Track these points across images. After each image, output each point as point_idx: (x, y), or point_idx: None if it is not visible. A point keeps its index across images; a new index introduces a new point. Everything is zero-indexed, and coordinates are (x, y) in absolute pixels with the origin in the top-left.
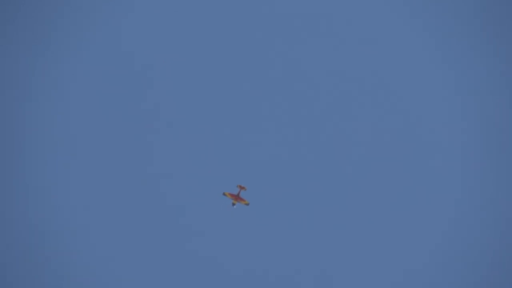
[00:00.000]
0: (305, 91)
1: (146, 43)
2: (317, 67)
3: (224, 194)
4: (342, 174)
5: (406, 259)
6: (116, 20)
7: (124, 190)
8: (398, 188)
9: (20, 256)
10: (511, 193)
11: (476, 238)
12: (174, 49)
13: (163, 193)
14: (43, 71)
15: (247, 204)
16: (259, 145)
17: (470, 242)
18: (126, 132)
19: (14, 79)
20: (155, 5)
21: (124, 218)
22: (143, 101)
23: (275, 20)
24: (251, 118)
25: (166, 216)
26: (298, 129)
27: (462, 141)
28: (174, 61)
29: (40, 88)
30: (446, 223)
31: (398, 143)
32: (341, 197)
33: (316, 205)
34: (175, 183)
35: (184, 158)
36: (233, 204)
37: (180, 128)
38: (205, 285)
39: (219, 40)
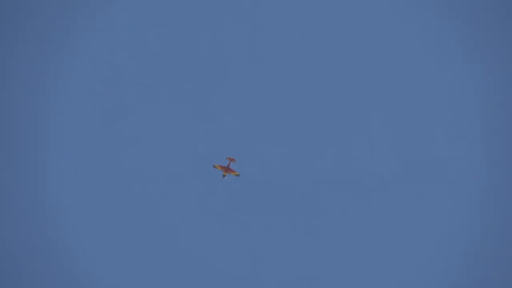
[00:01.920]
0: (302, 89)
1: (145, 44)
2: (316, 67)
3: (214, 166)
4: (343, 174)
5: (407, 260)
6: (115, 19)
7: (124, 190)
8: (399, 188)
9: (21, 257)
10: None
11: (478, 239)
12: (172, 48)
13: (162, 193)
14: (43, 70)
15: (238, 175)
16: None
17: (472, 243)
18: (126, 132)
19: (13, 79)
20: (153, 4)
21: (123, 218)
22: (142, 101)
23: (274, 20)
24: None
25: (165, 218)
26: (297, 129)
27: (464, 141)
28: (171, 60)
29: (39, 88)
30: (447, 224)
31: (399, 143)
32: (342, 197)
33: (316, 205)
34: (175, 184)
35: (184, 159)
36: (224, 176)
37: (179, 128)
38: (203, 286)
39: (217, 39)
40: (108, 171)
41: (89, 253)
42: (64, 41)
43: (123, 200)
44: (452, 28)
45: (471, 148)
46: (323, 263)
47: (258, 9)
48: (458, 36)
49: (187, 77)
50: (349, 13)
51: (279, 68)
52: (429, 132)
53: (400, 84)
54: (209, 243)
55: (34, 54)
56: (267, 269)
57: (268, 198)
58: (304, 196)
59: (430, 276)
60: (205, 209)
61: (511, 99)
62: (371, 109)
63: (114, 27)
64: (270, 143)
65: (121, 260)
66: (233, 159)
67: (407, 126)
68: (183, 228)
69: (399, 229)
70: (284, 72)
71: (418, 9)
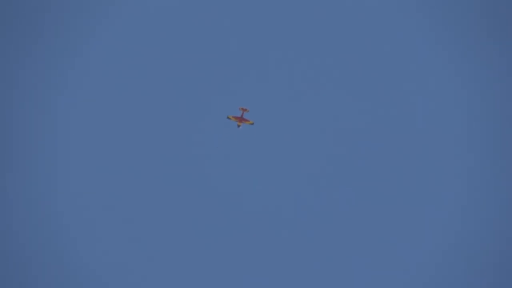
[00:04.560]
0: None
1: (146, 44)
2: (316, 66)
3: (228, 117)
4: (341, 172)
5: (407, 260)
6: (119, 18)
7: (125, 190)
8: (399, 188)
9: (21, 257)
10: None
11: (479, 239)
12: (173, 48)
13: (163, 194)
14: (45, 70)
15: (252, 124)
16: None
17: (473, 243)
18: (126, 131)
19: (14, 80)
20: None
21: (125, 219)
22: (142, 100)
23: (273, 20)
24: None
25: (165, 219)
26: (296, 129)
27: (464, 140)
28: (172, 60)
29: (40, 89)
30: (448, 224)
31: (399, 142)
32: (340, 196)
33: (313, 203)
34: (176, 185)
35: (185, 159)
36: (238, 126)
37: (180, 128)
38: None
39: (218, 40)
40: (109, 171)
41: (90, 254)
42: (67, 41)
43: (124, 201)
44: (449, 28)
45: (468, 148)
46: (319, 263)
47: (260, 8)
48: (454, 36)
49: (189, 77)
50: (348, 12)
51: (278, 67)
52: (426, 133)
53: (396, 85)
54: (210, 244)
55: (35, 55)
56: (267, 271)
57: (268, 197)
58: (301, 194)
59: (427, 277)
60: (206, 210)
61: (509, 99)
62: (367, 109)
63: (119, 26)
64: (267, 143)
65: (123, 260)
66: (246, 109)
67: (402, 126)
68: (185, 228)
69: (395, 230)
70: (283, 71)
71: (417, 9)
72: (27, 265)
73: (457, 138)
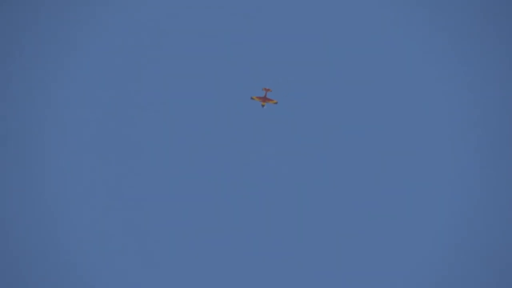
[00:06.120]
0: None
1: (148, 43)
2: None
3: (252, 98)
4: (338, 171)
5: (404, 260)
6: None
7: (126, 191)
8: (396, 187)
9: (22, 257)
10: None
11: (479, 240)
12: (176, 47)
13: (165, 195)
14: (46, 70)
15: (276, 103)
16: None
17: (473, 244)
18: (128, 131)
19: (14, 78)
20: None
21: (127, 220)
22: (145, 101)
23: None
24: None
25: (168, 218)
26: (295, 129)
27: (462, 140)
28: (174, 58)
29: (41, 88)
30: (447, 225)
31: (396, 142)
32: (337, 195)
33: (310, 204)
34: (178, 187)
35: (187, 160)
36: (263, 106)
37: (181, 128)
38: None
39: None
40: (111, 172)
41: (90, 255)
42: (68, 40)
43: (125, 201)
44: (446, 30)
45: (464, 149)
46: (318, 263)
47: (262, 10)
48: (450, 39)
49: (192, 77)
50: (344, 13)
51: (276, 68)
52: (425, 133)
53: (391, 86)
54: (212, 244)
55: (35, 54)
56: (266, 271)
57: (269, 200)
58: (298, 196)
59: (426, 278)
60: (208, 210)
61: (506, 101)
62: (363, 111)
63: (122, 26)
64: (265, 145)
65: (125, 261)
66: (269, 89)
67: (403, 126)
68: (187, 229)
69: (395, 230)
70: (282, 72)
71: (415, 10)
72: (26, 266)
73: (457, 138)
